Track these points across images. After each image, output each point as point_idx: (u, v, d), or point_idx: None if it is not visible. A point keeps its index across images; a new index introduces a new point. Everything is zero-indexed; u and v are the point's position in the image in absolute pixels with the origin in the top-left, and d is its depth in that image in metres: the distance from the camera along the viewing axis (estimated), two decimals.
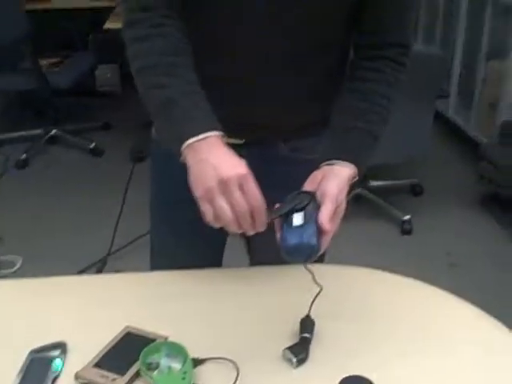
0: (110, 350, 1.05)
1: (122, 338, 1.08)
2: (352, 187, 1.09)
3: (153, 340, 1.06)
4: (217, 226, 0.96)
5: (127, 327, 1.10)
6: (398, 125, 1.92)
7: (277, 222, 1.01)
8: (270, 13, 1.08)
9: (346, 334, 1.10)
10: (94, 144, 3.89)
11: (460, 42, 3.80)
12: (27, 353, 1.05)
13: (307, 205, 0.99)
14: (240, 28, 1.10)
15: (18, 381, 1.00)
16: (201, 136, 0.97)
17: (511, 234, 3.08)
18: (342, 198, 1.04)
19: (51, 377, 1.01)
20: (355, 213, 3.00)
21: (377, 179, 3.21)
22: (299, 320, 1.10)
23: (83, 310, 1.18)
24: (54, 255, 2.72)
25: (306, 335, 1.07)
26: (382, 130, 1.14)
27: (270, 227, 0.99)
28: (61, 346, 1.07)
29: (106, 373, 1.00)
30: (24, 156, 3.75)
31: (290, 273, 1.23)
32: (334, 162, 1.08)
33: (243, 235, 1.29)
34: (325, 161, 1.08)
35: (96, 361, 1.03)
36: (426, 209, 3.24)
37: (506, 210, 3.19)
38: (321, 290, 1.11)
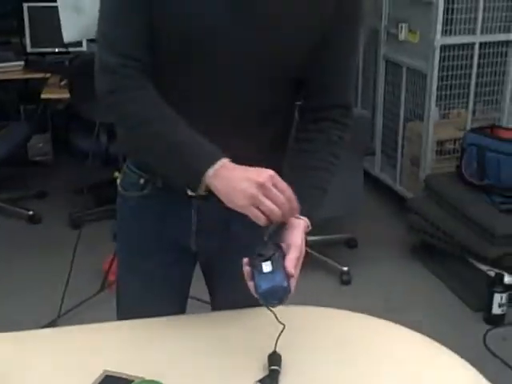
0: None
1: (102, 382, 1.12)
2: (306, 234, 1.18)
3: (131, 381, 1.10)
4: (267, 223, 1.07)
5: (105, 371, 1.14)
6: (333, 182, 2.00)
7: (247, 273, 1.10)
8: (230, 77, 1.18)
9: (310, 365, 1.17)
10: (31, 212, 3.87)
11: (380, 104, 4.02)
12: None
13: (273, 254, 1.09)
14: (195, 91, 1.20)
15: None
16: (217, 164, 1.09)
17: (441, 278, 3.23)
18: (303, 247, 1.14)
19: None
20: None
21: (314, 234, 3.18)
22: (266, 355, 1.16)
23: (60, 360, 1.20)
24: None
25: (275, 367, 1.13)
26: (329, 183, 1.24)
27: (240, 250, 1.10)
28: None
29: None
30: None
31: (252, 315, 1.29)
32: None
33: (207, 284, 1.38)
34: None
35: None
36: (361, 260, 3.37)
37: (434, 257, 3.33)
38: (284, 327, 1.16)
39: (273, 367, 1.13)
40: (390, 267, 3.30)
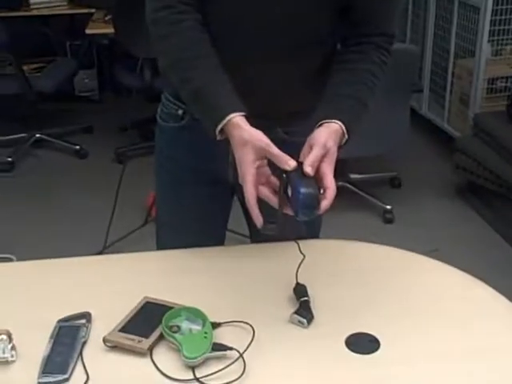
0: (132, 318, 1.11)
1: (142, 307, 1.14)
2: (341, 146, 1.15)
3: (171, 307, 1.11)
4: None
5: (146, 297, 1.16)
6: (376, 119, 1.95)
7: (281, 204, 1.08)
8: (281, 6, 1.17)
9: (339, 297, 1.18)
10: (78, 147, 3.92)
11: (430, 39, 3.91)
12: (55, 322, 1.12)
13: (289, 178, 1.06)
14: (244, 27, 1.20)
15: (49, 347, 1.06)
16: (225, 120, 1.09)
17: (487, 219, 3.18)
18: (331, 145, 1.10)
19: (80, 341, 1.08)
20: (338, 205, 2.82)
21: (357, 173, 3.30)
22: (293, 285, 1.17)
23: (103, 285, 1.25)
24: (47, 256, 2.76)
25: (305, 298, 1.14)
26: (369, 98, 1.21)
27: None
28: (86, 316, 1.14)
29: (131, 336, 1.06)
30: (9, 159, 3.78)
31: (279, 248, 1.31)
32: (323, 121, 1.15)
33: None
34: (316, 124, 1.16)
35: (121, 326, 1.09)
36: (405, 200, 3.33)
37: (480, 198, 3.28)
38: (304, 258, 1.17)
39: (303, 298, 1.14)
40: (434, 207, 3.28)
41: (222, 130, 1.10)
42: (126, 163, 3.40)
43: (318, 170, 1.07)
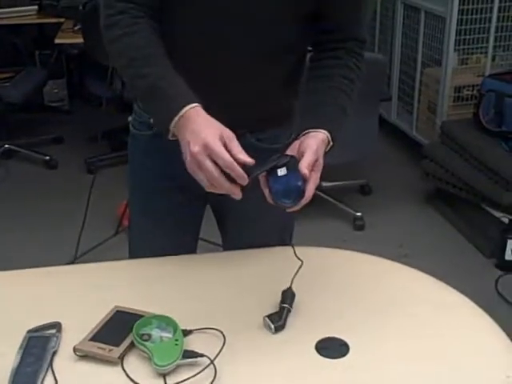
0: (103, 327, 1.10)
1: (113, 316, 1.13)
2: (326, 152, 1.16)
3: (141, 316, 1.10)
4: (214, 190, 1.05)
5: (116, 307, 1.15)
6: (347, 126, 1.95)
7: (263, 181, 1.09)
8: (245, 13, 1.18)
9: (321, 304, 1.18)
10: (48, 157, 3.89)
11: (398, 49, 3.95)
12: (25, 333, 1.11)
13: (288, 162, 1.09)
14: (209, 33, 1.19)
15: (18, 358, 1.05)
16: (181, 112, 1.07)
17: (455, 224, 3.22)
18: (320, 153, 1.12)
19: (50, 352, 1.07)
20: (309, 213, 2.96)
21: (328, 180, 3.29)
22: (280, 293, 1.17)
23: (74, 295, 1.24)
24: (18, 266, 2.71)
25: (285, 305, 1.14)
26: (348, 104, 1.22)
27: (253, 185, 1.06)
28: (56, 326, 1.13)
29: (102, 345, 1.05)
30: None
31: (266, 254, 1.31)
32: (309, 131, 1.16)
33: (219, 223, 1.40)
34: (300, 134, 1.16)
35: (91, 335, 1.08)
36: (375, 206, 3.35)
37: (449, 204, 3.30)
38: (302, 264, 1.17)
39: (283, 304, 1.14)
40: (403, 213, 3.31)
41: (175, 127, 1.08)
42: (97, 173, 3.36)
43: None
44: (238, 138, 1.08)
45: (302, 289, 1.19)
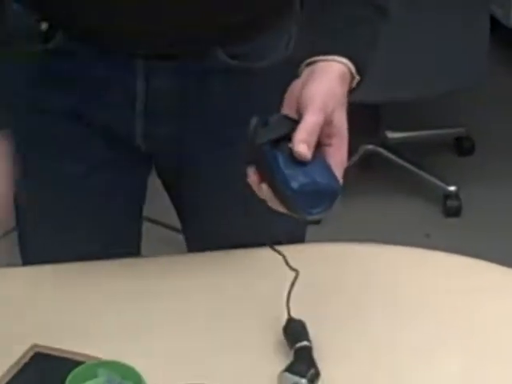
0: (10, 381, 0.86)
1: (29, 364, 0.88)
2: (352, 90, 0.92)
3: (79, 362, 0.87)
4: None
5: (35, 346, 0.89)
6: (432, 40, 1.92)
7: (261, 157, 0.84)
8: None
9: (344, 336, 0.95)
10: None
11: None
12: None
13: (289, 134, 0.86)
14: None
15: None
16: None
17: None
18: (335, 103, 0.86)
19: None
20: (366, 183, 2.39)
21: (399, 129, 2.57)
22: (283, 322, 0.95)
23: None
24: None
25: (305, 343, 0.91)
26: (379, 25, 1.00)
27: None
28: None
29: None
30: None
31: (252, 257, 1.09)
32: (316, 58, 0.90)
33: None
34: (304, 62, 0.92)
35: None
36: (479, 175, 2.60)
37: None
38: (297, 274, 0.96)
39: (299, 344, 0.90)
40: None
41: None
42: None
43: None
44: (200, 61, 0.96)
45: (308, 312, 0.95)
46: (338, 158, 0.83)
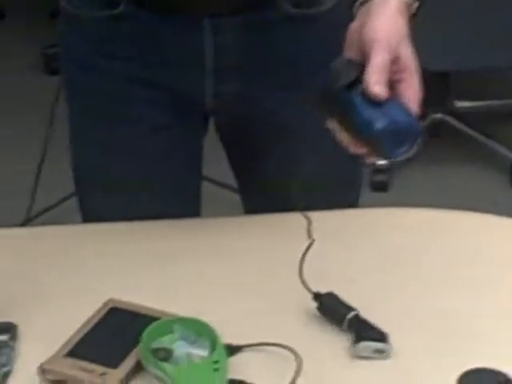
0: (88, 333, 0.84)
1: (105, 317, 0.86)
2: (413, 17, 0.90)
3: (155, 318, 0.85)
4: None
5: (111, 300, 0.88)
6: (504, 12, 1.93)
7: (337, 103, 0.82)
8: None
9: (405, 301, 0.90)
10: None
11: None
12: None
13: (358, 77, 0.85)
14: None
15: None
16: None
17: None
18: (398, 38, 0.85)
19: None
20: (433, 152, 2.33)
21: (467, 98, 2.56)
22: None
23: (31, 276, 0.96)
24: None
25: (354, 312, 0.85)
26: None
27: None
28: (9, 329, 0.86)
29: (87, 364, 0.80)
30: None
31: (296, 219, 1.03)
32: None
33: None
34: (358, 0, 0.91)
35: (69, 348, 0.82)
36: None
37: None
38: (312, 241, 0.96)
39: (351, 314, 0.84)
40: None
41: None
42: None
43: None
44: (264, 13, 0.97)
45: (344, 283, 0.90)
46: (411, 93, 0.81)
